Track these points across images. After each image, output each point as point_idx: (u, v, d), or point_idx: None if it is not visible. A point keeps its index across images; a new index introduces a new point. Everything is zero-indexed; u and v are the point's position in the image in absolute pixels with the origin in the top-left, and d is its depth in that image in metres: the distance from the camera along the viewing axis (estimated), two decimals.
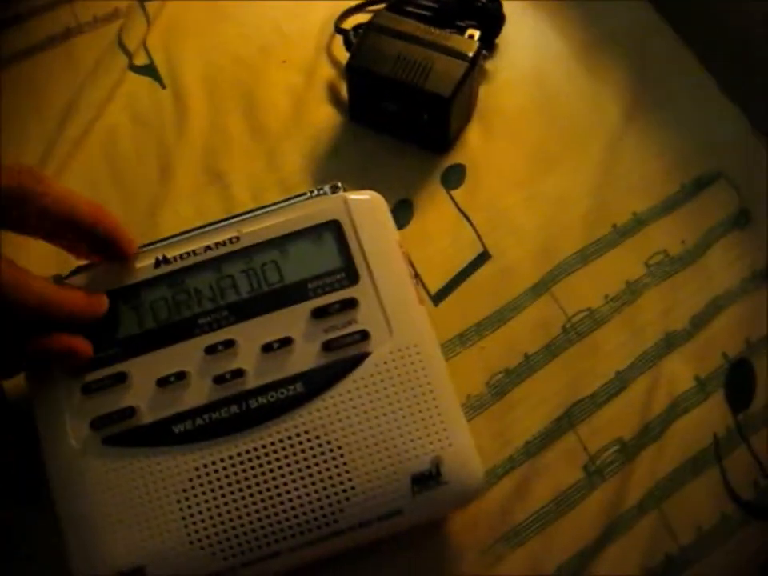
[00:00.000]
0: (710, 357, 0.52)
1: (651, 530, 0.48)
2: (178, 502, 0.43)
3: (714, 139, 0.58)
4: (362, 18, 0.61)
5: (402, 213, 0.51)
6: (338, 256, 0.46)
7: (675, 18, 0.62)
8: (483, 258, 0.54)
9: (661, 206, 0.56)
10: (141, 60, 0.61)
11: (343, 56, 0.59)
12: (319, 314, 0.45)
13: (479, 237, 0.55)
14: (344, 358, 0.44)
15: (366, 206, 0.48)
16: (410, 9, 0.58)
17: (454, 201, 0.56)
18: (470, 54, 0.53)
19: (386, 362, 0.44)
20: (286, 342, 0.45)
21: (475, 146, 0.58)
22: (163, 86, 0.60)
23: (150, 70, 0.61)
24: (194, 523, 0.42)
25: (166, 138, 0.59)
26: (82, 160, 0.58)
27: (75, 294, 0.44)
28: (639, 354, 0.52)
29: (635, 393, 0.51)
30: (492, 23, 0.59)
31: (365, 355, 0.44)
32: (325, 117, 0.59)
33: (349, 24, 0.61)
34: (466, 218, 0.55)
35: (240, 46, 0.62)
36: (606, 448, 0.50)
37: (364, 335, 0.45)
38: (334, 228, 0.47)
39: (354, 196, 0.48)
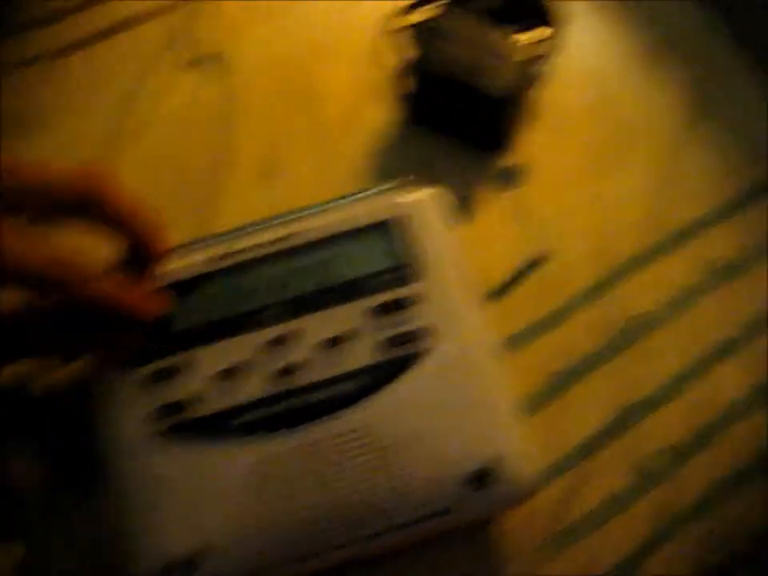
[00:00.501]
0: (765, 366, 0.52)
1: (704, 533, 0.48)
2: (236, 494, 0.43)
3: None
4: (427, 14, 0.61)
5: (461, 211, 0.51)
6: (399, 253, 0.47)
7: (736, 23, 0.62)
8: (540, 258, 0.54)
9: (718, 212, 0.56)
10: (202, 52, 0.62)
11: (401, 53, 0.59)
12: (380, 311, 0.45)
13: (537, 237, 0.55)
14: (403, 355, 0.45)
15: (427, 204, 0.48)
16: (471, 6, 0.58)
17: (510, 200, 0.56)
18: (530, 55, 0.53)
19: (444, 361, 0.45)
20: (346, 338, 0.45)
21: (533, 145, 0.58)
22: (222, 79, 0.60)
23: (207, 63, 0.61)
24: (251, 516, 0.43)
25: (224, 131, 0.59)
26: (144, 147, 0.58)
27: (144, 296, 0.44)
28: (694, 360, 0.52)
29: (689, 398, 0.51)
30: (553, 23, 0.59)
31: (424, 353, 0.45)
32: (381, 115, 0.59)
33: (406, 21, 0.60)
34: (523, 218, 0.55)
35: (296, 42, 0.62)
36: (659, 452, 0.50)
37: (424, 333, 0.45)
38: (396, 225, 0.47)
39: (416, 194, 0.48)
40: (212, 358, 0.45)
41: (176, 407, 0.45)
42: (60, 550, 0.48)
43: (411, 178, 0.49)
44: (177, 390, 0.45)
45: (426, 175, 0.55)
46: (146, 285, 0.45)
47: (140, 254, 0.44)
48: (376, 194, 0.49)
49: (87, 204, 0.41)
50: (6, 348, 0.45)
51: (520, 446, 0.44)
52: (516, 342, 0.53)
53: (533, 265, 0.54)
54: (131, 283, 0.44)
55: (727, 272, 0.54)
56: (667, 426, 0.50)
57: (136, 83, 0.60)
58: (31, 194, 0.40)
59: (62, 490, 0.49)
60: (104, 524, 0.47)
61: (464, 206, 0.56)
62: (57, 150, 0.59)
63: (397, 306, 0.46)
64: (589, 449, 0.50)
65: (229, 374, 0.45)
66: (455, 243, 0.47)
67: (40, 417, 0.50)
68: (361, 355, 0.45)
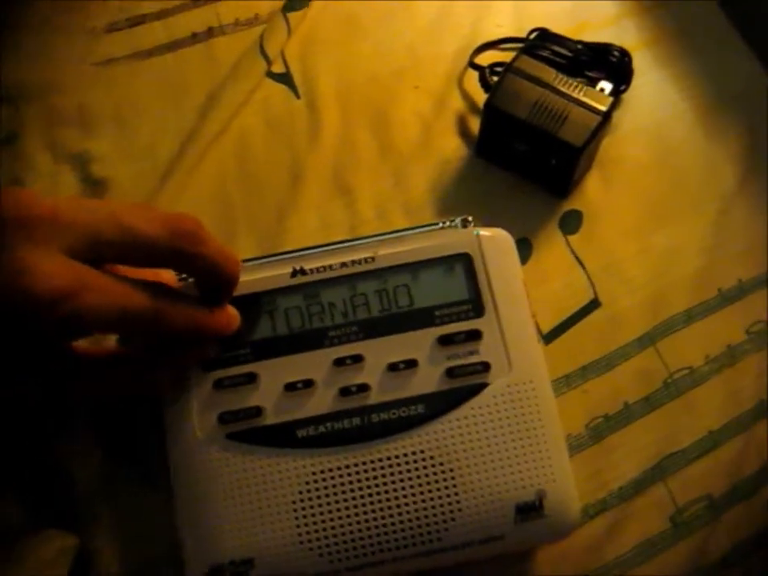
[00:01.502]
0: None
1: None
2: (293, 502, 0.45)
3: None
4: (494, 54, 0.63)
5: (521, 251, 0.52)
6: (466, 288, 0.49)
7: None
8: (594, 304, 0.56)
9: (765, 275, 0.58)
10: (278, 68, 0.63)
11: (474, 90, 0.62)
12: (444, 341, 0.47)
13: (591, 283, 0.57)
14: (464, 385, 0.47)
15: (495, 243, 0.50)
16: (544, 54, 0.60)
17: (569, 245, 0.58)
18: (604, 109, 0.55)
19: (502, 394, 0.47)
20: (410, 364, 0.47)
21: (594, 193, 0.60)
22: (298, 96, 0.62)
23: (286, 79, 0.63)
24: (306, 524, 0.45)
25: (297, 147, 0.61)
26: (216, 157, 0.60)
27: (219, 316, 0.46)
28: (733, 417, 0.54)
29: (727, 453, 0.53)
30: (621, 77, 0.61)
31: (484, 385, 0.47)
32: (451, 147, 0.61)
33: (481, 60, 0.62)
34: (580, 263, 0.57)
35: (375, 65, 0.64)
36: (695, 502, 0.52)
37: (485, 366, 0.47)
38: (464, 260, 0.49)
39: (485, 232, 0.50)
40: (280, 371, 0.47)
41: (241, 414, 0.47)
42: (109, 537, 0.50)
43: (470, 218, 0.51)
44: (244, 398, 0.47)
45: (490, 211, 0.57)
46: (223, 305, 0.47)
47: (217, 282, 0.45)
48: (443, 228, 0.51)
49: (177, 261, 0.42)
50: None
51: (567, 482, 0.46)
52: (565, 383, 0.54)
53: (586, 310, 0.56)
54: (209, 304, 0.46)
55: None
56: (704, 478, 0.52)
57: (214, 92, 0.62)
58: (125, 250, 0.41)
59: (116, 476, 0.51)
60: (156, 516, 0.49)
61: (525, 245, 0.58)
62: (127, 154, 0.60)
63: (461, 338, 0.48)
64: (627, 493, 0.52)
65: (295, 387, 0.47)
66: (520, 282, 0.49)
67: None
68: (423, 382, 0.47)
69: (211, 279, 0.45)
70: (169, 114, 0.62)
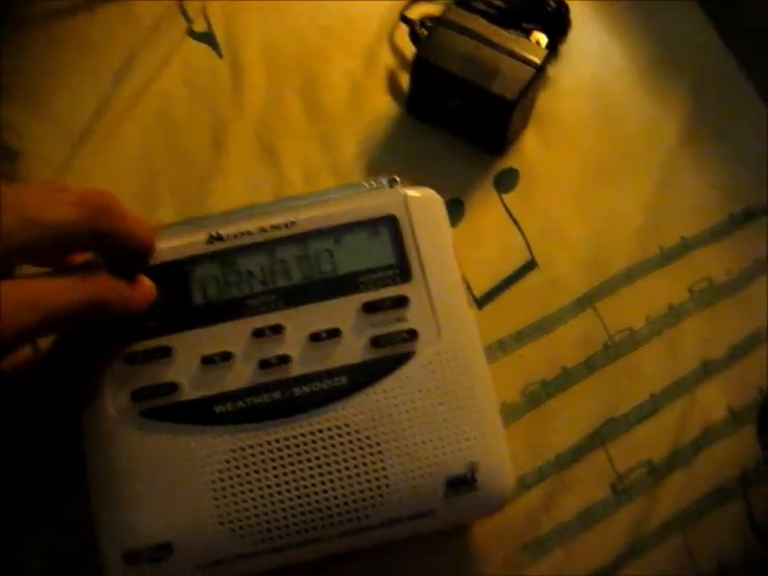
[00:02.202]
0: (745, 389, 0.52)
1: (673, 553, 0.49)
2: (212, 482, 0.43)
3: (765, 172, 0.58)
4: (427, 8, 0.60)
5: (453, 212, 0.50)
6: (392, 252, 0.46)
7: (739, 47, 0.62)
8: (530, 266, 0.54)
9: (709, 232, 0.56)
10: (200, 27, 0.60)
11: (406, 46, 0.59)
12: (369, 308, 0.45)
13: (528, 244, 0.55)
14: (390, 355, 0.44)
15: (424, 204, 0.47)
16: (477, 5, 0.58)
17: (505, 205, 0.56)
18: (538, 61, 0.53)
19: (431, 363, 0.44)
20: (334, 333, 0.44)
21: (530, 151, 0.57)
22: (220, 56, 0.59)
23: (208, 38, 0.60)
24: (226, 505, 0.42)
25: (221, 109, 0.58)
26: (135, 122, 0.57)
27: (138, 289, 0.43)
28: (675, 379, 0.52)
29: (668, 417, 0.51)
30: (558, 28, 0.59)
31: (411, 354, 0.44)
32: (382, 106, 0.58)
33: (414, 14, 0.60)
34: (516, 223, 0.55)
35: (302, 24, 0.61)
36: (635, 468, 0.50)
37: (412, 334, 0.44)
38: (391, 223, 0.46)
39: (412, 192, 0.47)
40: (196, 344, 0.44)
41: (156, 390, 0.44)
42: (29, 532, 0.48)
43: (397, 177, 0.48)
44: (158, 373, 0.44)
45: (422, 171, 0.55)
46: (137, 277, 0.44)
47: (133, 255, 0.43)
48: (369, 189, 0.48)
49: (95, 242, 0.39)
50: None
51: (501, 453, 0.44)
52: (499, 349, 0.52)
53: (522, 272, 0.54)
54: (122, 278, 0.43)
55: (714, 294, 0.55)
56: (645, 443, 0.51)
57: (133, 53, 0.59)
58: (44, 243, 0.37)
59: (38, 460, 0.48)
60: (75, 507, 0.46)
61: (458, 206, 0.56)
62: (42, 122, 0.57)
63: (387, 305, 0.45)
64: (565, 461, 0.50)
65: (212, 360, 0.44)
66: (449, 245, 0.47)
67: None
68: (348, 352, 0.45)
69: (127, 253, 0.41)
70: (86, 78, 0.58)
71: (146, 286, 0.44)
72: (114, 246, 0.40)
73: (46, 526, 0.48)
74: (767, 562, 0.49)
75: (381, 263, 0.46)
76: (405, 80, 0.59)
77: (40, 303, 0.36)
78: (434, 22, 0.55)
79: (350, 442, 0.43)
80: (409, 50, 0.59)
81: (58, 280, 0.38)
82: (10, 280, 0.36)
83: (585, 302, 0.54)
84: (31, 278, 0.37)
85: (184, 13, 0.60)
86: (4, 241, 0.35)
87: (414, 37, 0.58)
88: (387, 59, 0.60)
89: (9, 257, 0.36)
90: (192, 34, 0.60)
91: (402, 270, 0.46)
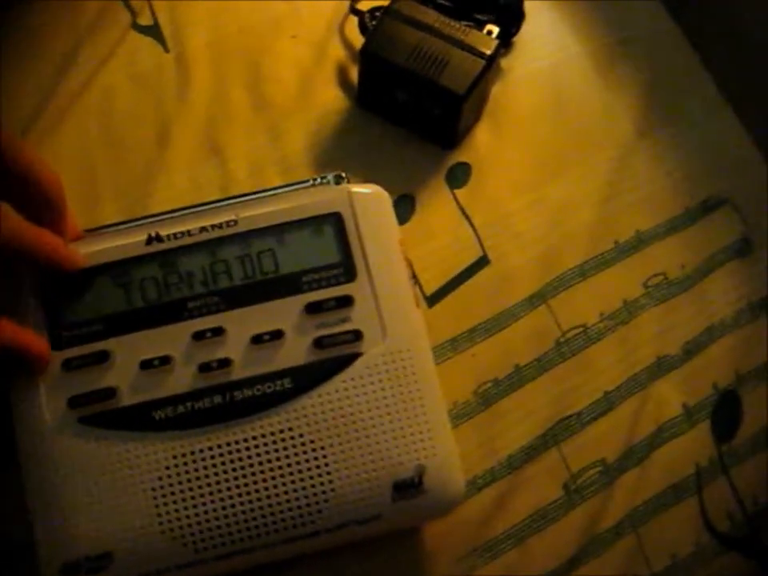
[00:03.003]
0: (700, 385, 0.52)
1: (626, 553, 0.48)
2: (153, 489, 0.42)
3: (723, 163, 0.58)
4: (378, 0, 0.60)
5: (403, 208, 0.49)
6: (336, 250, 0.45)
7: (694, 33, 0.61)
8: (482, 262, 0.53)
9: (664, 226, 0.55)
10: (145, 20, 0.59)
11: (356, 38, 0.57)
12: (313, 309, 0.44)
13: (479, 240, 0.54)
14: (334, 356, 0.43)
15: (369, 201, 0.46)
16: None
17: (456, 200, 0.55)
18: (488, 52, 0.52)
19: (376, 365, 0.43)
20: (276, 335, 0.43)
21: (483, 145, 0.56)
22: (166, 50, 0.58)
23: (153, 31, 0.58)
24: (168, 513, 0.41)
25: (166, 104, 0.56)
26: (77, 116, 0.55)
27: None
28: (629, 376, 0.52)
29: (622, 415, 0.51)
30: (511, 20, 0.58)
31: (356, 355, 0.43)
32: (331, 98, 0.57)
33: (364, 5, 0.58)
34: (468, 219, 0.54)
35: (249, 15, 0.59)
36: (589, 468, 0.49)
37: (357, 335, 0.44)
38: (335, 221, 0.45)
39: (358, 189, 0.46)
40: (135, 348, 0.43)
41: (94, 396, 0.43)
42: None
43: (343, 174, 0.48)
44: (96, 379, 0.43)
45: (372, 166, 0.54)
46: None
47: (42, 208, 0.42)
48: (314, 186, 0.48)
49: None
50: None
51: (449, 456, 0.43)
52: (451, 347, 0.51)
53: (474, 268, 0.53)
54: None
55: (668, 288, 0.54)
56: (599, 442, 0.50)
57: (76, 45, 0.57)
58: None
59: None
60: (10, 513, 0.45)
61: (408, 201, 0.54)
62: None
63: (331, 305, 0.44)
64: (518, 461, 0.49)
65: (151, 365, 0.43)
66: (395, 243, 0.46)
67: None
68: (291, 354, 0.43)
69: (31, 190, 0.40)
70: (27, 69, 0.57)
71: (73, 250, 0.43)
72: (12, 174, 0.39)
73: None
74: (719, 558, 0.48)
75: (325, 262, 0.45)
76: (355, 73, 0.57)
77: None
78: (382, 13, 0.53)
79: (294, 446, 0.42)
80: (359, 42, 0.57)
81: None
82: None
83: (537, 298, 0.53)
84: None
85: (128, 5, 0.59)
86: None
87: (363, 28, 0.56)
88: (337, 51, 0.59)
89: None
90: (137, 27, 0.59)
91: (346, 269, 0.45)
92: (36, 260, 0.42)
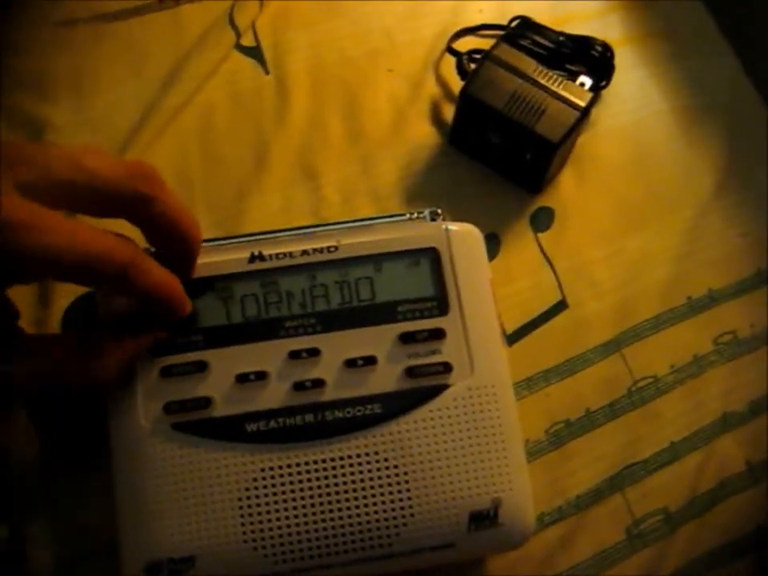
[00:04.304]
0: (764, 444, 0.53)
1: None
2: (239, 499, 0.43)
3: None
4: (473, 41, 0.61)
5: (489, 247, 0.50)
6: (431, 284, 0.46)
7: None
8: (561, 306, 0.55)
9: (736, 286, 0.57)
10: (248, 41, 0.61)
11: (451, 77, 0.60)
12: (406, 338, 0.45)
13: (559, 284, 0.55)
14: (424, 386, 0.45)
15: (464, 239, 0.48)
16: (524, 43, 0.58)
17: (539, 243, 0.56)
18: (583, 105, 0.54)
19: (463, 398, 0.45)
20: (369, 361, 0.45)
21: (567, 191, 0.58)
22: (267, 72, 0.60)
23: (256, 53, 0.60)
24: (251, 523, 0.43)
25: (264, 125, 0.58)
26: (177, 131, 0.57)
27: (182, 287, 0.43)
28: (696, 429, 0.53)
29: (686, 466, 0.52)
30: (602, 72, 0.60)
31: (444, 387, 0.45)
32: (424, 134, 0.59)
33: (460, 46, 0.60)
34: (549, 263, 0.56)
35: (349, 46, 0.61)
36: (651, 515, 0.51)
37: (447, 368, 0.45)
38: (431, 255, 0.47)
39: (454, 227, 0.48)
40: (232, 361, 0.45)
41: (189, 404, 0.44)
42: (43, 527, 0.47)
43: (439, 211, 0.49)
44: (192, 388, 0.44)
45: (460, 203, 0.56)
46: (186, 275, 0.44)
47: (176, 250, 0.43)
48: (411, 220, 0.49)
49: (136, 206, 0.39)
50: None
51: (524, 491, 0.45)
52: (526, 387, 0.53)
53: (552, 312, 0.55)
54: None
55: (738, 347, 0.55)
56: (663, 490, 0.51)
57: (179, 62, 0.59)
58: (82, 192, 0.38)
59: (55, 467, 0.48)
60: (93, 510, 0.47)
61: (494, 241, 0.56)
62: (84, 123, 0.58)
63: (424, 336, 0.45)
64: (585, 502, 0.51)
65: (247, 379, 0.44)
66: (487, 281, 0.47)
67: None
68: (382, 380, 0.45)
69: (173, 236, 0.41)
70: (130, 83, 0.59)
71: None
72: (155, 218, 0.40)
73: (61, 527, 0.48)
74: None
75: (420, 294, 0.46)
76: (448, 110, 0.59)
77: (83, 241, 0.37)
78: (482, 57, 0.55)
79: (378, 469, 0.44)
80: (454, 81, 0.59)
81: (109, 233, 0.38)
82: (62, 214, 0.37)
83: (612, 346, 0.54)
84: (83, 222, 0.38)
85: (233, 25, 0.61)
86: (50, 170, 0.36)
87: (461, 70, 0.58)
88: (432, 88, 0.61)
89: (53, 190, 0.37)
90: (240, 47, 0.61)
91: (440, 303, 0.46)
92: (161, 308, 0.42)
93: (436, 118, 0.60)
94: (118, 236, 0.39)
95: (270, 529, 0.43)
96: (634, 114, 0.61)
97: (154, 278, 0.40)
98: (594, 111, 0.60)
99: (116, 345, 0.43)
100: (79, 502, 0.48)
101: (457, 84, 0.58)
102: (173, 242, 0.42)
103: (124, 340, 0.43)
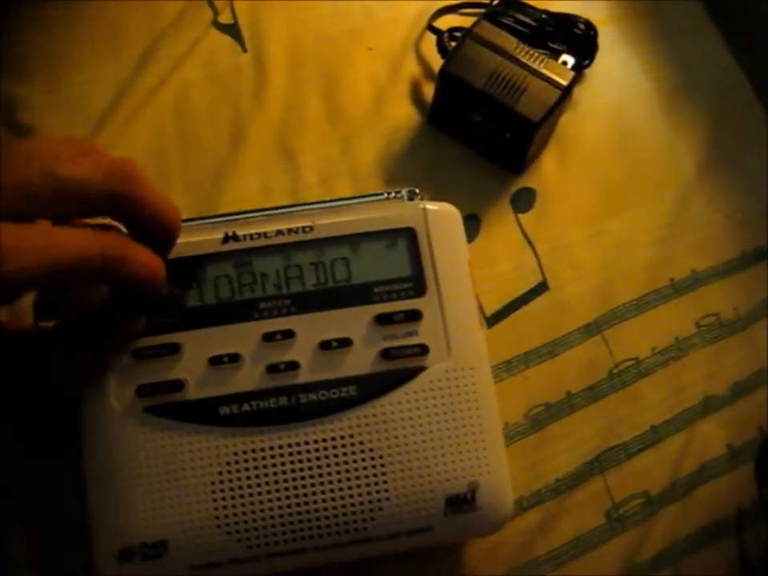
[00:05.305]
0: (746, 428, 0.53)
1: None
2: (212, 483, 0.42)
3: None
4: (454, 19, 0.60)
5: (468, 228, 0.50)
6: (408, 265, 0.46)
7: (758, 81, 0.62)
8: (541, 288, 0.54)
9: (720, 268, 0.56)
10: (226, 18, 0.60)
11: (432, 55, 0.59)
12: (382, 320, 0.45)
13: (540, 266, 0.55)
14: (399, 368, 0.44)
15: (442, 219, 0.47)
16: (506, 21, 0.57)
17: (520, 225, 0.56)
18: (564, 83, 0.53)
19: (439, 380, 0.44)
20: (344, 343, 0.44)
21: (549, 172, 0.57)
22: (244, 50, 0.59)
23: (233, 31, 0.59)
24: (225, 507, 0.42)
25: (241, 105, 0.57)
26: (153, 111, 0.56)
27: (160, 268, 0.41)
28: (677, 412, 0.52)
29: (667, 449, 0.51)
30: (585, 51, 0.59)
31: (420, 369, 0.44)
32: (404, 114, 0.58)
33: (441, 24, 0.59)
34: (530, 244, 0.55)
35: (328, 24, 0.60)
36: (631, 498, 0.50)
37: (423, 349, 0.44)
38: (409, 236, 0.46)
39: (432, 206, 0.47)
40: (206, 343, 0.44)
41: (162, 387, 0.43)
42: (18, 517, 0.47)
43: (417, 190, 0.48)
44: (165, 370, 0.44)
45: (440, 183, 0.55)
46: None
47: (155, 238, 0.41)
48: (388, 199, 0.48)
49: (115, 206, 0.38)
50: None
51: (502, 474, 0.44)
52: (505, 369, 0.52)
53: (533, 293, 0.54)
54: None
55: (721, 330, 0.55)
56: (643, 474, 0.51)
57: (156, 41, 0.58)
58: (63, 199, 0.36)
59: (28, 458, 0.48)
60: (69, 500, 0.46)
61: (473, 222, 0.55)
62: (58, 102, 0.56)
63: (400, 318, 0.45)
64: (564, 486, 0.50)
65: (221, 361, 0.44)
66: (465, 262, 0.47)
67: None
68: (357, 362, 0.44)
69: (153, 228, 0.40)
70: (105, 62, 0.58)
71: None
72: (134, 216, 0.39)
73: (35, 513, 0.47)
74: None
75: (396, 275, 0.46)
76: (428, 90, 0.58)
77: (49, 249, 0.35)
78: (463, 35, 0.55)
79: (354, 453, 0.43)
80: (434, 59, 0.58)
81: (73, 230, 0.37)
82: (22, 223, 0.35)
83: (593, 328, 0.54)
84: (45, 224, 0.37)
85: (210, 2, 0.60)
86: (24, 188, 0.35)
87: (441, 48, 0.57)
88: (412, 67, 0.60)
89: (26, 207, 0.35)
90: (217, 25, 0.60)
91: (416, 284, 0.46)
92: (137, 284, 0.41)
93: (416, 97, 0.59)
94: (96, 228, 0.38)
95: (244, 513, 0.42)
96: (617, 94, 0.61)
97: (139, 266, 0.39)
98: (577, 91, 0.59)
99: (98, 337, 0.43)
100: (54, 491, 0.47)
101: (437, 63, 0.56)
102: (153, 233, 0.41)
103: (106, 333, 0.43)
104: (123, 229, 0.40)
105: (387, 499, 0.43)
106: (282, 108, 0.57)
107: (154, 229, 0.40)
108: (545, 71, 0.53)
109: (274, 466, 0.43)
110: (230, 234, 0.46)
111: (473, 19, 0.56)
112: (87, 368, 0.43)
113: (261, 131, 0.57)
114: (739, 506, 0.51)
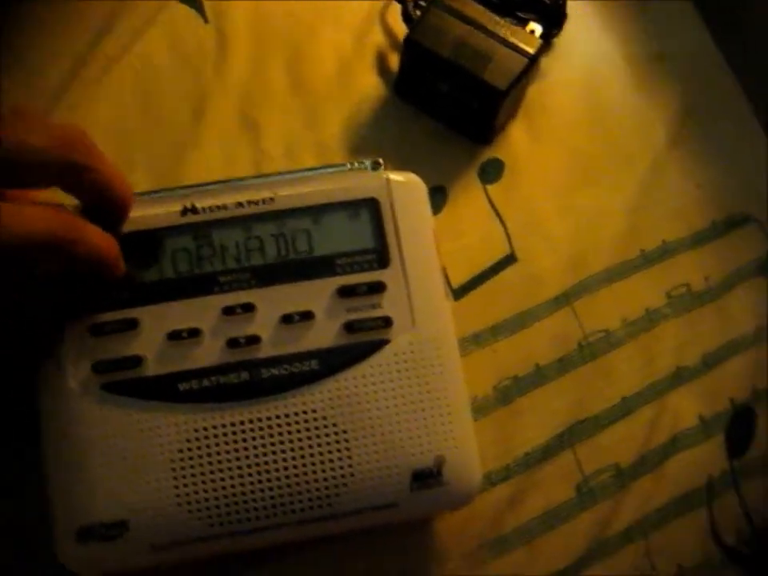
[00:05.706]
0: (717, 399, 0.52)
1: (634, 559, 0.49)
2: (172, 461, 0.41)
3: (751, 182, 0.58)
4: None
5: (435, 200, 0.49)
6: (371, 236, 0.45)
7: (731, 50, 0.61)
8: (510, 259, 0.53)
9: (690, 238, 0.56)
10: None
11: (397, 26, 0.57)
12: (345, 292, 0.44)
13: (509, 237, 0.54)
14: (363, 341, 0.43)
15: (406, 189, 0.46)
16: None
17: (487, 195, 0.55)
18: (532, 51, 0.52)
19: (404, 353, 0.43)
20: (306, 316, 0.43)
21: (517, 143, 0.56)
22: (206, 21, 0.57)
23: (194, 1, 0.57)
24: (185, 485, 0.41)
25: (203, 76, 0.56)
26: (113, 84, 0.55)
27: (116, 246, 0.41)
28: (648, 384, 0.52)
29: (638, 421, 0.51)
30: (553, 20, 0.58)
31: (384, 342, 0.43)
32: (369, 85, 0.57)
33: None
34: (498, 215, 0.54)
35: None
36: (602, 471, 0.50)
37: (387, 322, 0.43)
38: (372, 206, 0.45)
39: (395, 176, 0.46)
40: (164, 318, 0.43)
41: (119, 363, 0.42)
42: None
43: (380, 160, 0.47)
44: (123, 346, 0.43)
45: (406, 155, 0.54)
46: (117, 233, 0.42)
47: (106, 211, 0.41)
48: (351, 170, 0.47)
49: (66, 175, 0.37)
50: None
51: (469, 449, 0.44)
52: (474, 342, 0.52)
53: (501, 265, 0.53)
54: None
55: (692, 300, 0.54)
56: (614, 447, 0.50)
57: (112, 12, 0.56)
58: (13, 170, 0.36)
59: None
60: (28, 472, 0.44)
61: (440, 193, 0.54)
62: (13, 76, 0.54)
63: (363, 290, 0.44)
64: (533, 460, 0.50)
65: (180, 336, 0.43)
66: (430, 233, 0.46)
67: None
68: (320, 336, 0.43)
69: (105, 199, 0.40)
70: (63, 34, 0.56)
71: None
72: (87, 184, 0.38)
73: None
74: (724, 571, 0.49)
75: (359, 247, 0.45)
76: (394, 61, 0.57)
77: (6, 235, 0.34)
78: (428, 4, 0.53)
79: (317, 428, 0.42)
80: (400, 30, 0.57)
81: (19, 207, 0.36)
82: None
83: (562, 300, 0.53)
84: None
85: None
86: None
87: (407, 17, 0.56)
88: (378, 38, 0.58)
89: None
90: None
91: (380, 256, 0.45)
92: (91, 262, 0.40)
93: (382, 68, 0.57)
94: (45, 207, 0.37)
95: (205, 491, 0.41)
96: (587, 64, 0.60)
97: (90, 246, 0.38)
98: (546, 61, 0.58)
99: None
100: (15, 474, 0.46)
101: (403, 33, 0.55)
102: (104, 205, 0.40)
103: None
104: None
105: (352, 475, 0.42)
106: (244, 79, 0.56)
107: (106, 200, 0.40)
108: (512, 39, 0.52)
109: (236, 442, 0.42)
110: (189, 206, 0.44)
111: None
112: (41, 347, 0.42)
113: (224, 103, 0.55)
114: (710, 476, 0.51)
